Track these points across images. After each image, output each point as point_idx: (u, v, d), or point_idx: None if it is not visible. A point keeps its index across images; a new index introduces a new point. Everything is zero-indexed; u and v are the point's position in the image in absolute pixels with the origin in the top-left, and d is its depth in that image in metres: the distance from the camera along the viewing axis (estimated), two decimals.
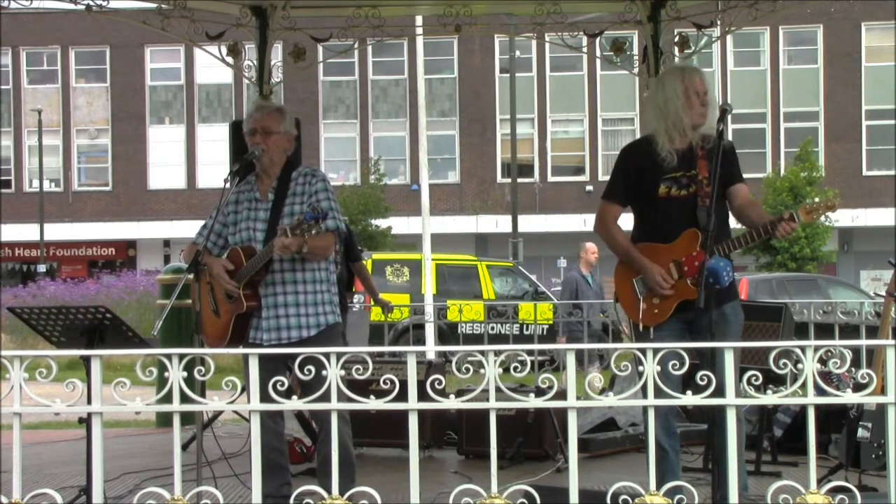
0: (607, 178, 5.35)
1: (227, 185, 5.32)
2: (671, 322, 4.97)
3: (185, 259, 5.66)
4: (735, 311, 5.13)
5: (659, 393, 3.73)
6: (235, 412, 6.60)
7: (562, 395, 3.75)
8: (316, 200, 5.27)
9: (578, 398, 3.80)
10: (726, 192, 5.08)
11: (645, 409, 3.83)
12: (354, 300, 9.99)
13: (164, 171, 40.03)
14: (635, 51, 10.24)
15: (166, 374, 3.71)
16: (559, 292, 15.76)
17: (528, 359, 3.88)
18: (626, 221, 5.26)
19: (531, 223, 35.92)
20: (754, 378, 3.71)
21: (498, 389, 3.69)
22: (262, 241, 5.30)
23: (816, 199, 5.33)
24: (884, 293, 6.35)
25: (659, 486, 3.73)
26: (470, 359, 3.83)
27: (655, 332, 5.01)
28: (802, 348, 3.72)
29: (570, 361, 3.69)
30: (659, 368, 3.68)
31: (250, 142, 5.41)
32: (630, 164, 5.22)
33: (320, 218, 4.95)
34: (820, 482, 3.85)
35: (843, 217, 30.20)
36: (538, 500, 3.79)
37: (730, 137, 5.31)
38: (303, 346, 5.06)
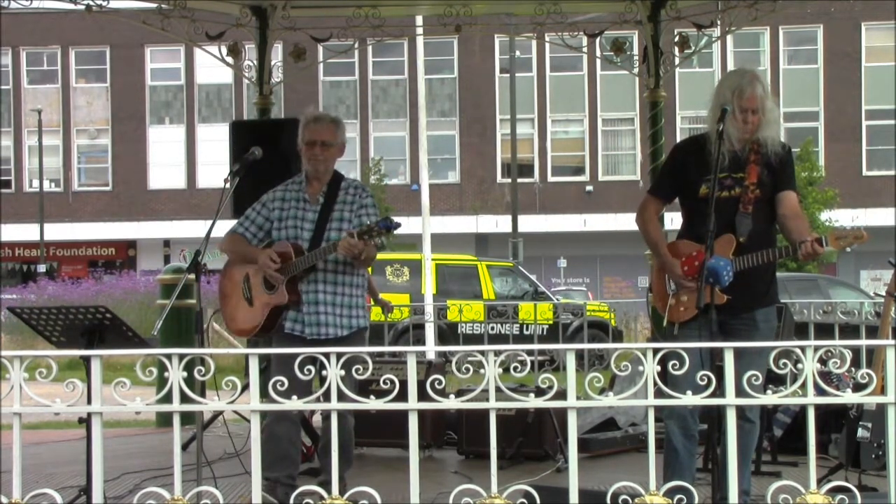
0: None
1: (228, 184, 5.37)
2: (696, 322, 4.94)
3: (225, 249, 5.72)
4: (767, 318, 5.11)
5: (660, 392, 3.73)
6: (235, 412, 6.61)
7: (562, 395, 3.75)
8: (365, 214, 5.54)
9: (578, 398, 3.80)
10: (774, 197, 5.04)
11: (647, 408, 3.83)
12: None
13: (164, 171, 40.03)
14: (635, 51, 10.24)
15: (166, 374, 3.71)
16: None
17: (528, 359, 3.88)
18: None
19: (531, 223, 35.92)
20: (754, 378, 3.71)
21: (498, 389, 3.69)
22: (308, 239, 5.52)
23: (846, 227, 5.29)
24: (884, 293, 6.35)
25: (660, 486, 3.73)
26: (470, 359, 3.83)
27: (680, 330, 5.03)
28: (802, 348, 3.72)
29: (570, 361, 3.69)
30: (659, 368, 3.68)
31: (307, 152, 5.58)
32: (676, 161, 5.24)
33: (393, 228, 5.12)
34: (820, 482, 3.85)
35: (843, 217, 30.20)
36: (538, 500, 3.79)
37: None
38: (336, 344, 5.23)
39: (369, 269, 6.12)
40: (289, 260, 5.46)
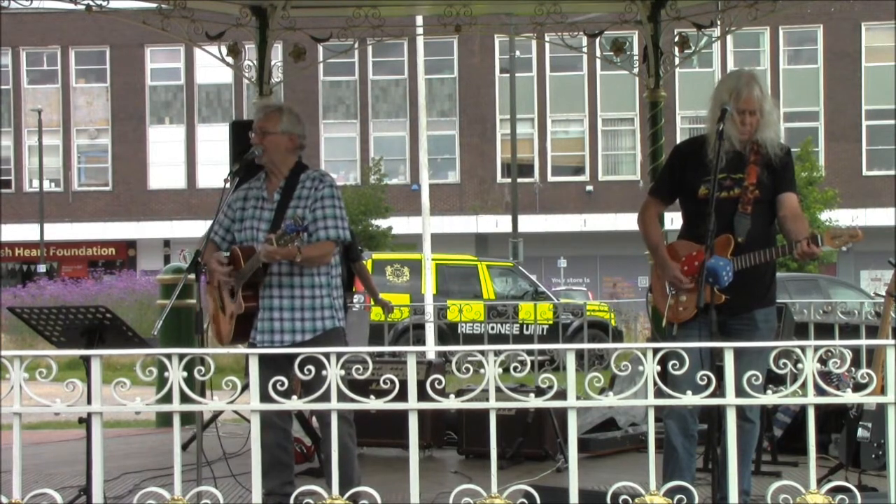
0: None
1: (227, 185, 5.32)
2: (696, 322, 4.95)
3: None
4: (766, 318, 5.12)
5: (660, 392, 3.73)
6: (235, 412, 6.61)
7: (562, 395, 3.75)
8: (320, 207, 5.24)
9: (578, 398, 3.80)
10: (773, 199, 5.03)
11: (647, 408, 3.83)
12: (354, 300, 9.99)
13: (164, 171, 40.02)
14: (635, 51, 10.24)
15: (166, 374, 3.71)
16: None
17: (528, 359, 3.88)
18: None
19: (531, 223, 35.92)
20: (754, 378, 3.71)
21: (498, 389, 3.69)
22: (263, 241, 5.24)
23: (842, 226, 5.29)
24: (884, 293, 6.35)
25: (661, 486, 3.73)
26: (470, 359, 3.83)
27: (680, 330, 5.03)
28: (802, 348, 3.72)
29: (570, 361, 3.69)
30: (659, 368, 3.68)
31: (252, 142, 5.39)
32: (676, 162, 5.25)
33: (301, 230, 4.93)
34: (820, 482, 3.85)
35: (843, 217, 30.18)
36: (538, 500, 3.79)
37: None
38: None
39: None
40: (240, 266, 5.24)
